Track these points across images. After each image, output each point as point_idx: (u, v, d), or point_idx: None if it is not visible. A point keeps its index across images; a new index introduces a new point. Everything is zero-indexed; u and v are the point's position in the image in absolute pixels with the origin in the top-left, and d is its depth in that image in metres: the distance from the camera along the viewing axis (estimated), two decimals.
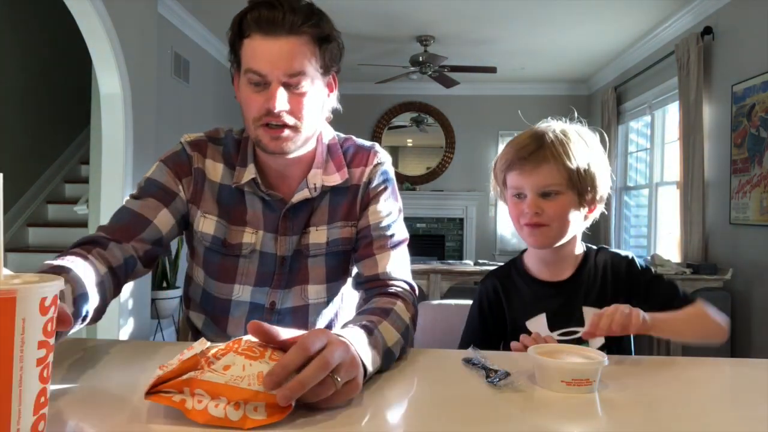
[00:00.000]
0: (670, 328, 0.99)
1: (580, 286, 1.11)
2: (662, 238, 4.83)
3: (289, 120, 0.94)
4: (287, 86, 0.93)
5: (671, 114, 4.70)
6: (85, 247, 0.91)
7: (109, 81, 3.35)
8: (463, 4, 4.17)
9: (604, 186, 1.09)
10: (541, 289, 1.12)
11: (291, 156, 1.00)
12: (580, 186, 1.05)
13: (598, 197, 1.08)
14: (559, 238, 1.07)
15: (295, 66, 0.92)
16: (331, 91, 1.04)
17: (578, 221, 1.08)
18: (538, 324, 1.09)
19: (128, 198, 1.03)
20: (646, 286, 1.09)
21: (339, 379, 0.63)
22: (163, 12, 4.11)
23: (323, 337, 0.65)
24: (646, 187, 5.10)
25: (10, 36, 4.40)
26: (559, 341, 1.04)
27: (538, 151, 1.03)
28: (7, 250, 4.18)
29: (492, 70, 4.97)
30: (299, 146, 0.99)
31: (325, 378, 0.62)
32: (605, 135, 1.15)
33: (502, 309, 1.14)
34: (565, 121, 1.11)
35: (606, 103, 5.51)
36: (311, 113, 0.97)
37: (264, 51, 0.92)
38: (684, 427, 0.66)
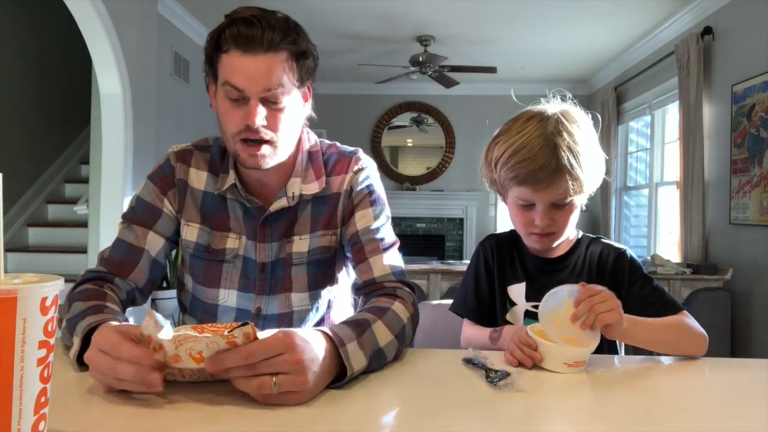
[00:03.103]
0: (642, 336, 0.94)
1: (566, 267, 1.11)
2: (662, 238, 4.82)
3: (267, 134, 0.96)
4: (264, 101, 0.95)
5: (671, 114, 4.70)
6: (98, 282, 0.98)
7: (109, 81, 3.35)
8: (463, 4, 4.17)
9: (602, 173, 1.06)
10: (529, 261, 1.13)
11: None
12: (588, 187, 1.03)
13: (598, 184, 1.06)
14: (563, 238, 1.08)
15: (273, 82, 0.94)
16: (306, 101, 1.06)
17: (578, 212, 1.08)
18: (518, 291, 1.11)
19: (121, 222, 1.08)
20: (630, 283, 1.06)
21: (275, 383, 0.66)
22: (163, 12, 4.11)
23: (280, 347, 0.67)
24: (646, 187, 5.10)
25: (10, 36, 4.40)
26: (528, 312, 1.08)
27: (555, 170, 0.98)
28: (7, 250, 4.18)
29: (492, 70, 4.97)
30: (276, 160, 1.01)
31: (265, 378, 0.66)
32: (598, 116, 1.09)
33: (492, 270, 1.15)
34: (557, 98, 1.06)
35: (606, 103, 5.51)
36: (288, 127, 0.99)
37: (242, 67, 0.93)
38: (684, 427, 0.66)
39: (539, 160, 0.98)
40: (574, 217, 1.06)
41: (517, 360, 0.87)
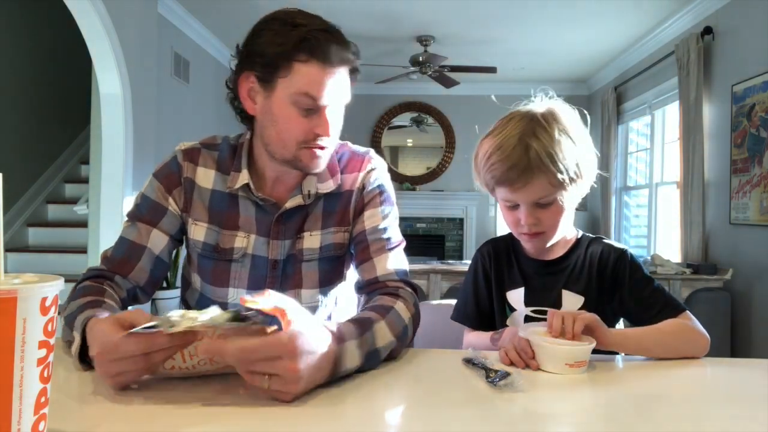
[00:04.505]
0: (638, 346, 0.94)
1: (564, 269, 1.10)
2: (662, 238, 4.82)
3: (330, 141, 1.02)
4: (330, 111, 1.00)
5: (671, 114, 4.70)
6: (98, 280, 1.00)
7: (109, 81, 3.35)
8: (463, 4, 4.17)
9: (592, 170, 1.04)
10: (527, 264, 1.12)
11: None
12: (573, 185, 1.01)
13: (588, 182, 1.04)
14: (556, 238, 1.07)
15: (346, 95, 1.01)
16: None
17: (571, 212, 1.07)
18: (517, 296, 1.11)
19: (126, 221, 1.09)
20: (631, 284, 1.05)
21: (267, 379, 0.67)
22: (163, 12, 4.11)
23: (280, 350, 0.67)
24: (646, 187, 5.10)
25: (10, 36, 4.40)
26: (528, 317, 1.08)
27: (526, 169, 0.97)
28: (7, 250, 4.18)
29: (492, 70, 4.97)
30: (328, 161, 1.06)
31: (257, 374, 0.67)
32: (585, 112, 1.06)
33: (490, 276, 1.14)
34: (543, 96, 1.05)
35: (606, 103, 5.51)
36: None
37: (323, 80, 0.96)
38: (684, 427, 0.66)
39: (512, 159, 0.98)
40: (565, 217, 1.05)
41: (510, 359, 0.87)
